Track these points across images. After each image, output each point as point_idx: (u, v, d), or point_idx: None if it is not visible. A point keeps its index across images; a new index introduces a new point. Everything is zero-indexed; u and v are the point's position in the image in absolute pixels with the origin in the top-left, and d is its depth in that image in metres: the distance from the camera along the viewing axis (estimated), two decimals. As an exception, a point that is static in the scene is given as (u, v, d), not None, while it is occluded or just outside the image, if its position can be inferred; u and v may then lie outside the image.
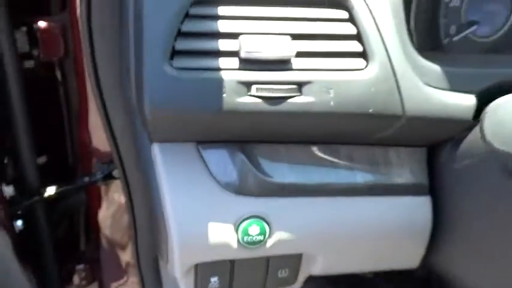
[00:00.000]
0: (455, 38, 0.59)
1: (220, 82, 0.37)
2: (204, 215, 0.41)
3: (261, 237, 0.42)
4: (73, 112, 0.73)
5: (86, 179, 0.73)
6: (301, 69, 0.38)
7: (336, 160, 0.45)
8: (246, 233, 0.41)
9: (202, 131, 0.41)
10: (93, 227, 0.82)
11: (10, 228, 0.66)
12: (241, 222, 0.42)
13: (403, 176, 0.47)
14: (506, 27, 0.63)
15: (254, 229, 0.42)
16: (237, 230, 0.42)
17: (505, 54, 0.58)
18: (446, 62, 0.44)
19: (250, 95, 0.37)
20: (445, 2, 0.58)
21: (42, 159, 0.78)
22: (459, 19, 0.59)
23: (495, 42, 0.63)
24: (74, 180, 0.75)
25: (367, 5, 0.40)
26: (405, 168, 0.47)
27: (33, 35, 0.63)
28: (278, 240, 0.43)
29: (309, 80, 0.38)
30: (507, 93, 0.42)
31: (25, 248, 0.70)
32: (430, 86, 0.42)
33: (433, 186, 0.47)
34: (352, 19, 0.40)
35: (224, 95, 0.37)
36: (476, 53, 0.63)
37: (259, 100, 0.37)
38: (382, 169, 0.46)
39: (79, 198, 0.81)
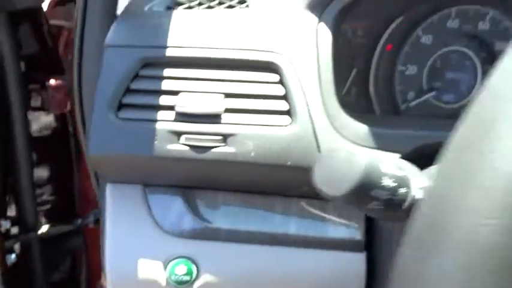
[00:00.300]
0: (413, 104, 0.62)
1: (154, 131, 0.43)
2: (137, 253, 0.45)
3: (187, 278, 0.44)
4: (80, 157, 0.81)
5: (79, 221, 0.80)
6: (228, 123, 0.43)
7: (271, 209, 0.48)
8: (173, 272, 0.44)
9: (142, 175, 0.46)
10: (92, 271, 0.87)
11: (2, 262, 0.72)
12: (169, 262, 0.45)
13: (338, 231, 0.48)
14: (472, 94, 0.64)
15: (181, 269, 0.45)
16: (165, 269, 0.45)
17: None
18: (377, 123, 0.47)
19: (180, 143, 0.43)
20: (400, 70, 0.61)
21: (49, 201, 0.86)
22: (417, 86, 0.62)
23: (463, 108, 0.64)
24: (69, 222, 0.81)
25: (295, 70, 0.45)
26: (341, 223, 0.48)
27: (44, 91, 0.74)
28: (206, 282, 0.45)
29: (233, 133, 0.43)
30: (431, 155, 0.44)
31: (18, 284, 0.75)
32: (355, 143, 0.45)
33: (369, 243, 0.48)
34: (281, 82, 0.45)
35: (156, 142, 0.42)
36: (441, 118, 0.64)
37: (187, 148, 0.42)
38: (318, 222, 0.48)
39: (76, 241, 0.86)
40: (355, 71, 0.64)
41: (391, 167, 0.28)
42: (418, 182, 0.29)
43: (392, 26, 0.61)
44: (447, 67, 0.66)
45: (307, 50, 0.46)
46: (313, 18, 0.48)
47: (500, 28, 0.62)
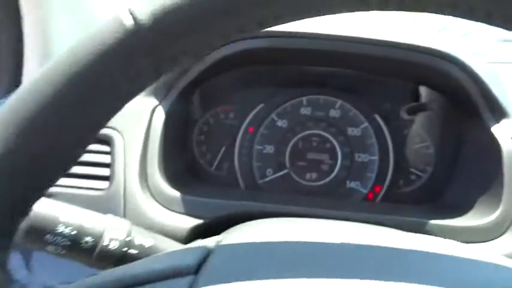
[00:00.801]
0: (269, 179, 0.68)
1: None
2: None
3: None
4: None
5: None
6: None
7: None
8: None
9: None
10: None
11: None
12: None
13: None
14: (332, 176, 0.70)
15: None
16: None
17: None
18: (193, 191, 0.54)
19: None
20: (258, 149, 0.68)
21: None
22: (275, 163, 0.68)
23: (324, 186, 0.70)
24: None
25: (125, 144, 0.53)
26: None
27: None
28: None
29: (52, 193, 0.50)
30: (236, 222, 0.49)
31: None
32: (166, 207, 0.51)
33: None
34: (111, 152, 0.53)
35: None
36: (303, 195, 0.69)
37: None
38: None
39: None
40: (224, 148, 0.71)
41: (74, 218, 0.34)
42: (112, 234, 0.35)
43: (254, 111, 0.70)
44: (309, 148, 0.73)
45: (139, 129, 0.55)
46: (154, 102, 0.58)
47: (350, 115, 0.69)
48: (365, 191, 0.69)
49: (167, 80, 0.59)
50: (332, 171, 0.70)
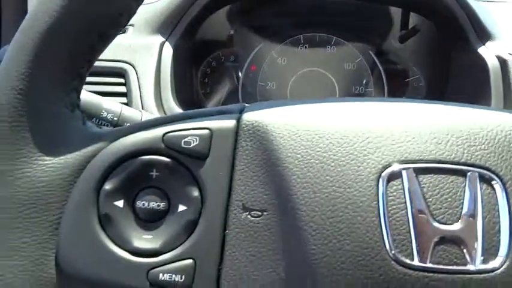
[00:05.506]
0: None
1: None
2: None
3: None
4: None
5: None
6: None
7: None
8: None
9: None
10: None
11: None
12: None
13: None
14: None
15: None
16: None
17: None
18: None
19: None
20: (261, 85, 0.72)
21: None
22: (277, 99, 0.72)
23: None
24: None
25: (137, 75, 0.56)
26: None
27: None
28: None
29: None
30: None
31: None
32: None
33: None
34: (125, 83, 0.56)
35: None
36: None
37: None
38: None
39: None
40: (228, 87, 0.75)
41: (115, 106, 0.37)
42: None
43: (254, 51, 0.73)
44: (308, 84, 0.76)
45: (150, 62, 0.58)
46: (160, 38, 0.61)
47: (345, 50, 0.73)
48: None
49: (172, 17, 0.62)
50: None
